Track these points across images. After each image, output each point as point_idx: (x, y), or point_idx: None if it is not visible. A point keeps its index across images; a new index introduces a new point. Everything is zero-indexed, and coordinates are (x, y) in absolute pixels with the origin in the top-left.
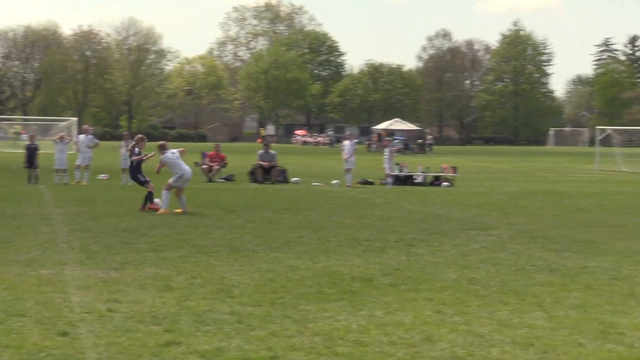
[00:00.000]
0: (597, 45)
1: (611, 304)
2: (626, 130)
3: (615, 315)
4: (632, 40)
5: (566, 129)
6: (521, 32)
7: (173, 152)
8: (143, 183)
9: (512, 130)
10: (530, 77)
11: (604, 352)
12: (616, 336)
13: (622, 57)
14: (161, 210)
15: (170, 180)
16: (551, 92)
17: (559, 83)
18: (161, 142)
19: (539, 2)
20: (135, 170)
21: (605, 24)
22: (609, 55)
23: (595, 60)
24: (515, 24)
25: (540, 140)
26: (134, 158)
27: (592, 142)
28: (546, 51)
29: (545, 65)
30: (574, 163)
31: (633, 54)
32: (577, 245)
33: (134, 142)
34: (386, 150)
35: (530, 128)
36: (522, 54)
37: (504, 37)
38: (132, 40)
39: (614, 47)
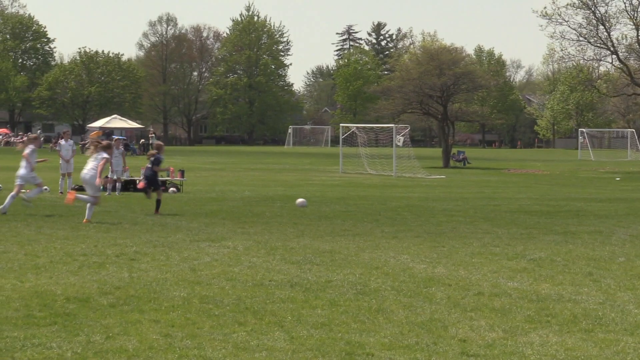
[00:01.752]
0: (339, 34)
1: (358, 322)
2: (372, 128)
3: (362, 334)
4: (377, 28)
5: (306, 126)
6: (255, 18)
7: None
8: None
9: (246, 129)
10: (266, 68)
11: None
12: (363, 357)
13: (367, 47)
14: None
15: None
16: (289, 85)
17: (298, 75)
18: None
19: None
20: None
21: (347, 10)
22: (352, 45)
23: (337, 51)
24: (248, 8)
25: (278, 140)
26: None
27: (335, 141)
28: (283, 40)
29: (283, 56)
30: (315, 165)
31: (378, 44)
32: (320, 256)
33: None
34: (115, 152)
35: (266, 126)
36: (256, 43)
37: (236, 23)
38: None
39: (358, 35)
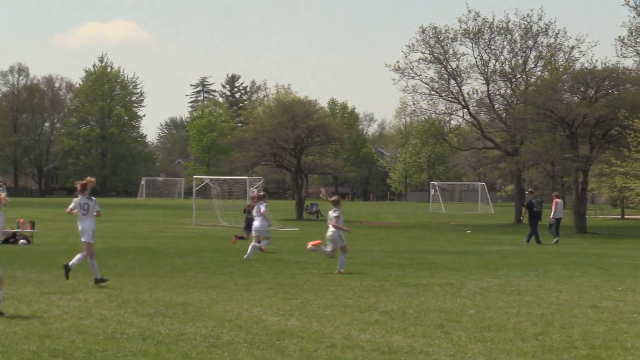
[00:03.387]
0: (193, 85)
1: None
2: (225, 180)
3: None
4: (231, 80)
5: (159, 178)
6: (109, 69)
7: None
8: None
9: (99, 180)
10: (119, 119)
11: None
12: None
13: (221, 99)
14: None
15: None
16: (143, 136)
17: (151, 127)
18: None
19: (125, 35)
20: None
21: (202, 61)
22: (206, 97)
23: (191, 102)
24: (101, 59)
25: (130, 191)
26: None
27: (188, 193)
28: (137, 91)
29: (136, 107)
30: (168, 216)
31: (232, 96)
32: (172, 309)
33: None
34: None
35: (119, 177)
36: (109, 94)
37: (89, 74)
38: None
39: (212, 87)
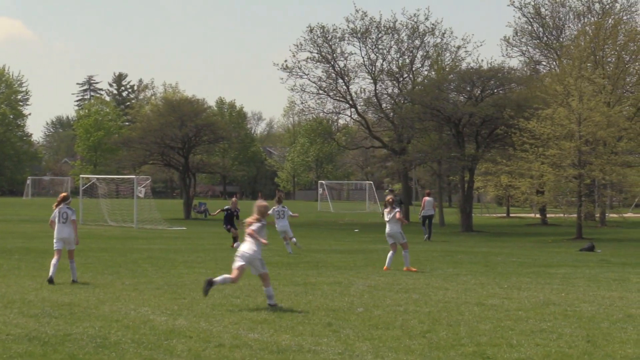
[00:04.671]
0: (80, 84)
1: None
2: (113, 179)
3: None
4: (118, 79)
5: (45, 177)
6: None
7: None
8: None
9: None
10: (4, 118)
11: None
12: None
13: (108, 98)
14: None
15: None
16: (28, 135)
17: (37, 126)
18: None
19: (8, 32)
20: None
21: (88, 60)
22: (92, 95)
23: (77, 101)
24: None
25: (16, 191)
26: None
27: (74, 192)
28: (22, 89)
29: (22, 106)
30: None
31: (119, 94)
32: (59, 309)
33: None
34: None
35: (4, 176)
36: None
37: None
38: None
39: (98, 86)
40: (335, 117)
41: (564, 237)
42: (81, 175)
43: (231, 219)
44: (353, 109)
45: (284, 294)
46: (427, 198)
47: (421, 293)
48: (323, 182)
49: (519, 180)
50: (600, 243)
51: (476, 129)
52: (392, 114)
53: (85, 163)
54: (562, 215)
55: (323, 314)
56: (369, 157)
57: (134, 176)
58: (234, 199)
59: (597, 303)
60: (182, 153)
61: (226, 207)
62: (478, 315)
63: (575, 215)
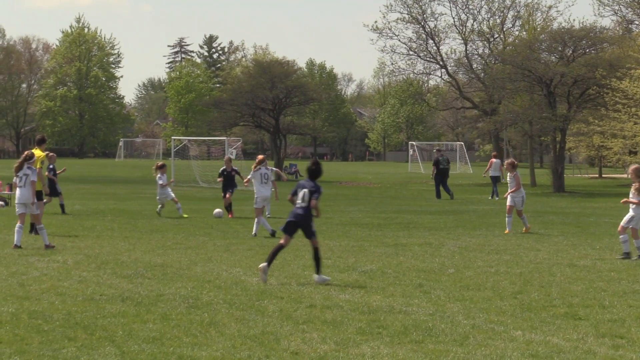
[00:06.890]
0: (171, 46)
1: (190, 336)
2: (204, 141)
3: (194, 347)
4: (209, 41)
5: (137, 139)
6: (86, 30)
7: None
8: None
9: (77, 141)
10: (96, 80)
11: None
12: None
13: (198, 60)
14: None
15: None
16: (121, 98)
17: (129, 88)
18: None
19: None
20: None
21: (179, 22)
22: (183, 58)
23: (168, 63)
24: (78, 20)
25: (109, 153)
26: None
27: (166, 154)
28: (114, 52)
29: (114, 68)
30: (147, 178)
31: (210, 57)
32: (151, 270)
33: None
34: None
35: (97, 139)
36: (86, 55)
37: (66, 35)
38: None
39: (189, 48)
40: (426, 78)
41: None
42: (173, 137)
43: (230, 182)
44: (443, 70)
45: (375, 255)
46: (494, 160)
47: (512, 254)
48: (413, 143)
49: (612, 141)
50: None
51: (568, 89)
52: (482, 74)
53: (176, 125)
54: None
55: (414, 275)
56: (459, 118)
57: (225, 138)
58: (228, 157)
59: None
60: (272, 114)
61: (221, 168)
62: (570, 277)
63: None
